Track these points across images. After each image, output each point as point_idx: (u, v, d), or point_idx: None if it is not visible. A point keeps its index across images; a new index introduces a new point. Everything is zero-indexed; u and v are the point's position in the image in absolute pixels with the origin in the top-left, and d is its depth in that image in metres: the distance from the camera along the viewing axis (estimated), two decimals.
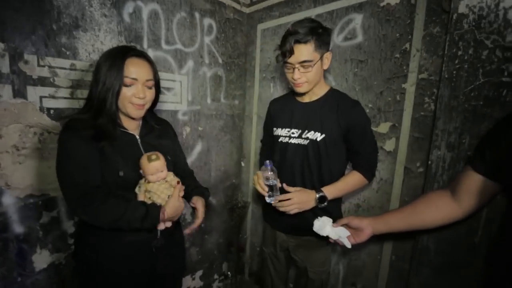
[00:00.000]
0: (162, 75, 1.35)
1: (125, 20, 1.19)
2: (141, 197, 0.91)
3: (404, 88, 1.13)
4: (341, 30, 1.30)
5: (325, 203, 1.08)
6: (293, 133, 1.16)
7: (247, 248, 2.01)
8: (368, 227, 0.94)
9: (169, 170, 0.99)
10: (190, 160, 1.59)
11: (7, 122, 0.96)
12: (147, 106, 0.96)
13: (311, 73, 1.04)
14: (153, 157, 0.93)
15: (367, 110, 1.23)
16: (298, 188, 1.11)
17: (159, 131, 1.07)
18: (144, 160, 0.92)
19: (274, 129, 1.24)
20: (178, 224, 1.11)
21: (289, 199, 1.07)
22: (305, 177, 1.15)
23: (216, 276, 1.94)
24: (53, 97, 1.04)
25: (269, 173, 1.06)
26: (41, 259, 1.10)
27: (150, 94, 0.94)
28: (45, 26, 0.99)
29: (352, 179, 1.13)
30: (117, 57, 0.86)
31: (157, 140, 1.04)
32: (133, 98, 0.90)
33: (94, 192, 0.83)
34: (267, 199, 1.10)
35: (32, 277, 1.08)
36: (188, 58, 1.47)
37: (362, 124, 1.09)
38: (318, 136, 1.10)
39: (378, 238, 1.25)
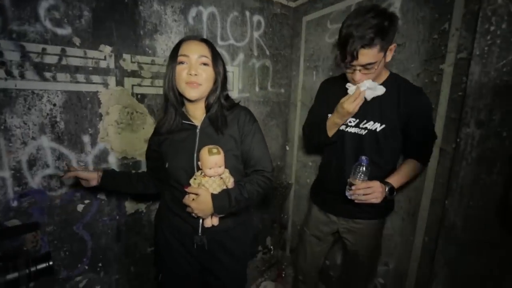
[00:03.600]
0: None
1: (190, 22, 1.49)
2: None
3: (441, 69, 1.13)
4: None
5: (394, 194, 1.07)
6: (350, 121, 1.13)
7: (289, 226, 2.18)
8: None
9: (228, 164, 0.96)
10: None
11: (112, 103, 1.35)
12: (205, 86, 0.94)
13: (372, 73, 0.99)
14: (214, 150, 0.90)
15: None
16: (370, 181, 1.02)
17: (225, 121, 1.00)
18: (204, 152, 0.91)
19: (330, 115, 1.18)
20: (236, 236, 1.08)
21: (370, 187, 1.00)
22: None
23: (260, 248, 2.17)
24: (139, 85, 1.40)
25: (364, 169, 1.00)
26: (130, 205, 1.49)
27: (205, 73, 0.93)
28: (135, 32, 1.34)
29: (413, 168, 1.10)
30: (176, 45, 0.98)
31: (220, 127, 0.99)
32: (187, 76, 0.91)
33: (149, 173, 1.21)
34: (348, 193, 1.04)
35: (125, 217, 1.49)
36: (239, 51, 1.71)
37: (424, 113, 1.04)
38: (378, 127, 1.06)
39: (411, 219, 1.28)
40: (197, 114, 1.03)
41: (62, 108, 1.22)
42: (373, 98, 1.05)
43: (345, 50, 0.93)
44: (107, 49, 1.28)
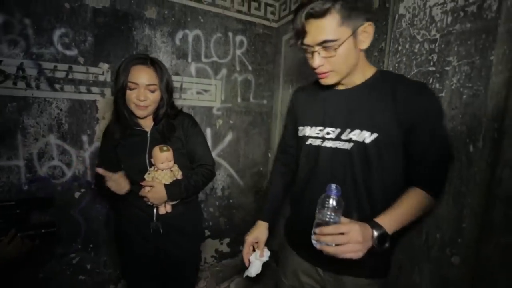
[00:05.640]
0: (201, 80, 1.88)
1: (176, 43, 1.75)
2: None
3: None
4: None
5: (387, 245, 0.68)
6: (328, 133, 0.83)
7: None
8: None
9: (177, 161, 1.13)
10: (222, 146, 2.04)
11: (107, 109, 1.63)
12: (153, 106, 1.08)
13: (336, 58, 0.73)
14: (165, 148, 1.09)
15: None
16: (347, 220, 0.68)
17: (171, 126, 1.16)
18: (156, 150, 1.09)
19: (300, 128, 0.92)
20: (187, 219, 1.23)
21: (342, 233, 0.64)
22: (347, 197, 0.74)
23: (241, 248, 2.29)
24: None
25: (334, 203, 0.67)
26: None
27: (152, 97, 1.06)
28: (129, 51, 1.63)
29: (418, 201, 0.74)
30: (125, 65, 1.04)
31: (166, 134, 1.15)
32: (136, 100, 1.04)
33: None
34: (314, 241, 0.68)
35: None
36: (222, 67, 1.94)
37: (432, 119, 0.74)
38: (367, 137, 0.76)
39: None
40: (147, 123, 1.18)
41: (67, 113, 1.52)
42: (358, 99, 0.79)
43: (295, 24, 0.73)
44: (105, 66, 1.58)
